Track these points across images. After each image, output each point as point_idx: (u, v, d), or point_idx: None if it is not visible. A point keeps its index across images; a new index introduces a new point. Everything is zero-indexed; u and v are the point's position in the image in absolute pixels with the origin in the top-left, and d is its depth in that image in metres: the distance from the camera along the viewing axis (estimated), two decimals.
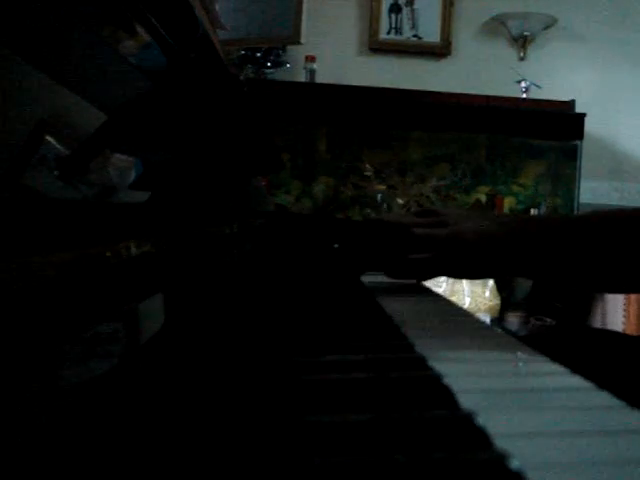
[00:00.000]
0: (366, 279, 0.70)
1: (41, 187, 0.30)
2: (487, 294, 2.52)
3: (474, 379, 0.29)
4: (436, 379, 0.27)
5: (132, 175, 0.44)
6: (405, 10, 3.03)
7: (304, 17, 2.35)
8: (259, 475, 0.18)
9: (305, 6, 2.36)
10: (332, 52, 2.97)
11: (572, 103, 2.81)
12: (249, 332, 0.39)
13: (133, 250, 0.39)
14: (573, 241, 0.55)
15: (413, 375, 0.28)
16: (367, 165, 2.77)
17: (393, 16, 3.04)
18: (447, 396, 0.25)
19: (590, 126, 2.80)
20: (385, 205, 2.80)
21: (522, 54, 3.05)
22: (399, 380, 0.27)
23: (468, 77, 3.01)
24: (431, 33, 3.04)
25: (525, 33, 2.99)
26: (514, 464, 0.18)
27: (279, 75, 2.83)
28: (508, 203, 2.86)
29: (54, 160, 0.31)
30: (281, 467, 0.19)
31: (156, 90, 0.47)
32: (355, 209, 2.78)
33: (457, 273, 0.61)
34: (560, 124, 2.77)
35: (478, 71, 3.03)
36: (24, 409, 0.21)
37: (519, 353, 0.34)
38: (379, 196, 2.77)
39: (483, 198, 2.85)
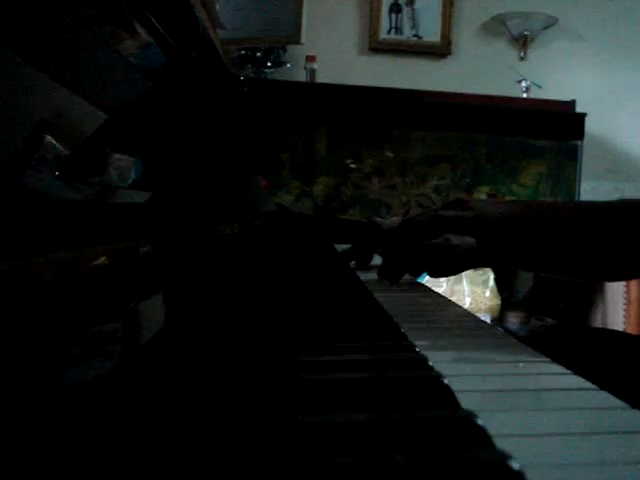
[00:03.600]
0: (364, 277, 0.70)
1: (41, 187, 0.30)
2: (487, 294, 2.52)
3: (474, 379, 0.29)
4: (436, 379, 0.27)
5: (132, 175, 0.44)
6: (405, 10, 3.03)
7: (304, 17, 2.35)
8: (259, 475, 0.18)
9: (305, 6, 2.36)
10: (332, 52, 2.97)
11: (573, 103, 2.81)
12: (249, 331, 0.39)
13: (133, 250, 0.39)
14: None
15: (413, 375, 0.28)
16: (366, 165, 2.77)
17: (393, 16, 3.04)
18: (447, 396, 0.25)
19: (590, 126, 2.80)
20: (385, 205, 2.80)
21: (522, 54, 3.04)
22: (399, 380, 0.27)
23: (468, 77, 3.01)
24: (431, 33, 3.04)
25: (525, 33, 2.99)
26: (515, 464, 0.18)
27: (279, 75, 2.83)
28: None
29: (54, 160, 0.31)
30: (281, 467, 0.19)
31: (156, 90, 0.47)
32: (355, 209, 2.78)
33: (496, 260, 0.63)
34: (560, 124, 2.77)
35: (478, 71, 3.03)
36: (24, 409, 0.21)
37: (519, 353, 0.34)
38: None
39: (483, 198, 2.85)
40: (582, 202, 0.65)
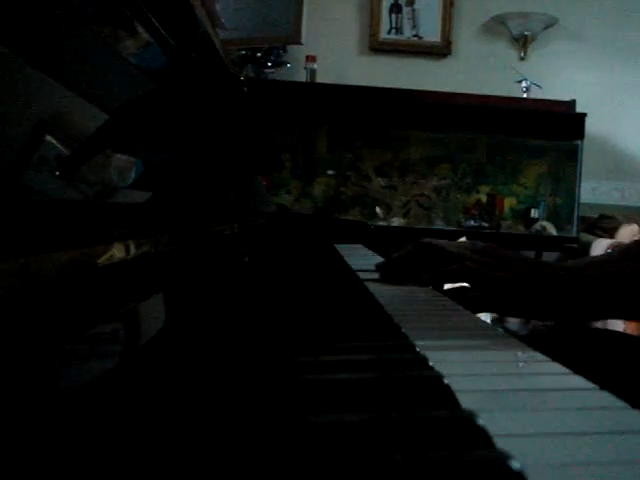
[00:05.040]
0: (364, 276, 0.70)
1: (41, 187, 0.30)
2: None
3: (474, 379, 0.29)
4: (436, 379, 0.27)
5: (132, 175, 0.44)
6: (405, 10, 3.03)
7: (304, 17, 2.35)
8: (259, 475, 0.18)
9: (305, 6, 2.36)
10: (332, 52, 2.97)
11: (573, 103, 2.81)
12: (250, 331, 0.39)
13: (133, 250, 0.39)
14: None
15: (414, 375, 0.28)
16: (367, 165, 2.77)
17: (393, 16, 3.04)
18: (448, 396, 0.25)
19: (591, 126, 2.80)
20: (385, 205, 2.80)
21: (522, 54, 3.05)
22: (399, 380, 0.27)
23: (468, 77, 3.01)
24: (431, 33, 3.04)
25: (525, 33, 2.99)
26: (515, 464, 0.18)
27: (279, 75, 2.83)
28: (508, 203, 2.87)
29: (54, 160, 0.31)
30: (282, 467, 0.19)
31: (156, 90, 0.47)
32: (355, 209, 2.79)
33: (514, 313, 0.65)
34: (561, 124, 2.77)
35: (478, 71, 3.03)
36: (24, 409, 0.21)
37: (519, 353, 0.34)
38: (378, 210, 2.77)
39: (483, 198, 2.85)
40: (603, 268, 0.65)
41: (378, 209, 2.76)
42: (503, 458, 0.19)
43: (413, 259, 0.68)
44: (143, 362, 0.30)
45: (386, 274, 0.70)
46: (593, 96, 2.97)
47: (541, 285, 0.59)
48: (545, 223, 2.81)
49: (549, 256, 2.76)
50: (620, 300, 0.58)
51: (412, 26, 3.05)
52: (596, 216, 2.88)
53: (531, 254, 2.72)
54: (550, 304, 0.59)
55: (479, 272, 0.61)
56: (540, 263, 0.65)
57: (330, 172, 2.77)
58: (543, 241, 2.78)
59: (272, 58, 2.79)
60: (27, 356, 0.23)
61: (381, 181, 2.79)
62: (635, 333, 2.33)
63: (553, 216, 2.87)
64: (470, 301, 0.63)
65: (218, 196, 0.83)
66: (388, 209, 2.81)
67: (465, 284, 0.65)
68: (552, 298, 0.59)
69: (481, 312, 0.65)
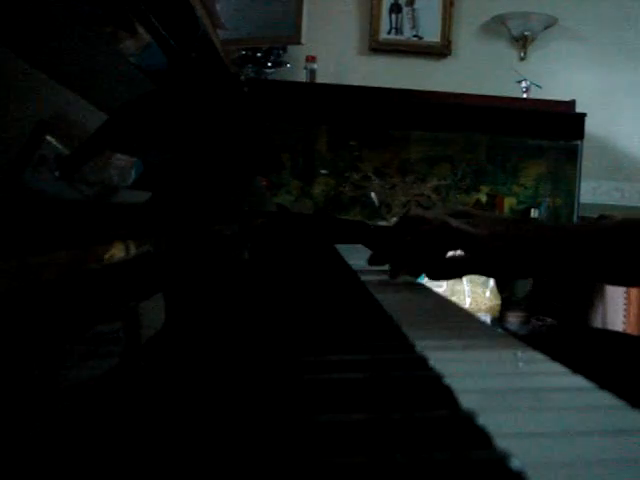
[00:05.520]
0: (365, 277, 0.70)
1: (41, 187, 0.30)
2: (487, 294, 2.52)
3: (474, 379, 0.29)
4: (437, 379, 0.27)
5: (132, 175, 0.44)
6: (405, 10, 3.03)
7: (304, 17, 2.35)
8: (261, 474, 0.18)
9: (305, 6, 2.36)
10: (332, 52, 2.97)
11: (573, 103, 2.81)
12: (251, 332, 0.39)
13: (133, 250, 0.39)
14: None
15: (414, 375, 0.28)
16: (367, 165, 2.77)
17: (393, 16, 3.03)
18: (448, 396, 0.25)
19: (591, 126, 2.80)
20: (385, 205, 2.80)
21: (522, 54, 3.04)
22: (400, 380, 0.27)
23: (468, 77, 3.01)
24: (431, 33, 3.04)
25: (525, 33, 2.99)
26: (515, 464, 0.18)
27: (279, 75, 2.83)
28: (508, 203, 2.86)
29: (54, 160, 0.31)
30: (282, 466, 0.19)
31: (157, 90, 0.47)
32: (355, 209, 2.78)
33: (493, 272, 0.64)
34: (561, 124, 2.77)
35: (478, 71, 3.03)
36: (25, 409, 0.21)
37: (519, 353, 0.34)
38: (373, 195, 2.77)
39: (484, 198, 2.85)
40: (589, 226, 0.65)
41: (373, 194, 2.75)
42: (503, 458, 0.19)
43: (399, 231, 0.69)
44: (145, 361, 0.30)
45: (375, 257, 0.71)
46: (593, 96, 2.97)
47: (523, 240, 0.59)
48: None
49: None
50: (601, 259, 0.58)
51: (412, 26, 3.04)
52: (596, 216, 2.88)
53: None
54: (532, 259, 0.59)
55: (459, 230, 0.61)
56: (520, 220, 0.66)
57: (330, 172, 2.77)
58: None
59: (272, 58, 2.78)
60: (27, 356, 0.23)
61: (376, 180, 2.79)
62: (635, 333, 2.33)
63: (553, 216, 2.87)
64: (454, 263, 0.63)
65: (218, 196, 0.83)
66: (388, 209, 2.81)
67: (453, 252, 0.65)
68: (534, 253, 0.59)
69: (464, 274, 0.65)
